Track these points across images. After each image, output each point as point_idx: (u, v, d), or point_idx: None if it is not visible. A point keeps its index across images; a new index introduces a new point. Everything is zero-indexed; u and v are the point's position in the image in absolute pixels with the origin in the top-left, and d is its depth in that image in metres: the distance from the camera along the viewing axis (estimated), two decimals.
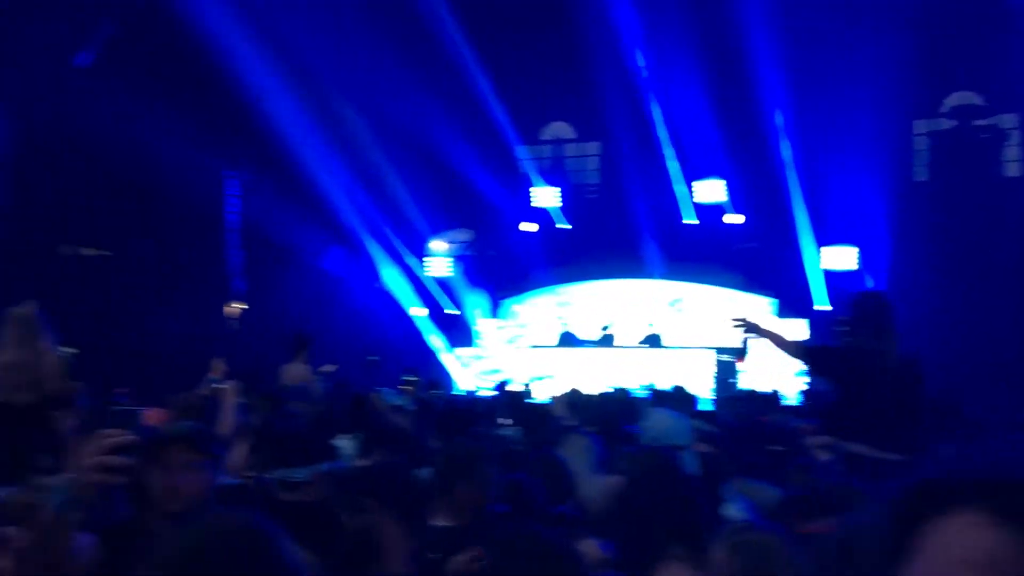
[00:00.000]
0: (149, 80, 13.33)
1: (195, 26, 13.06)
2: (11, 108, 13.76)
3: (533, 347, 16.96)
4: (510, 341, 17.87)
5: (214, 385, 5.81)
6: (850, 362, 4.51)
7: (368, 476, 3.31)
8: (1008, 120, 15.98)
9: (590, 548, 2.67)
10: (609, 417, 6.63)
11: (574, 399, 7.76)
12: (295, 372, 8.44)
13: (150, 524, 2.64)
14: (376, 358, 8.29)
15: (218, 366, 6.79)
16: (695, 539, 2.93)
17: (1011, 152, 16.05)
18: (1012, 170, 15.99)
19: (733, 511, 3.89)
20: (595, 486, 4.41)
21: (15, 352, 5.36)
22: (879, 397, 4.35)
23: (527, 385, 11.70)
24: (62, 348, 5.45)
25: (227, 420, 5.43)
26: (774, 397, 8.77)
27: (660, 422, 4.13)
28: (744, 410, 7.17)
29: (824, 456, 4.50)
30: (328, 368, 9.38)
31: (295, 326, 11.01)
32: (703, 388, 13.16)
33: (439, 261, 18.28)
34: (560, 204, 17.79)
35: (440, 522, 3.41)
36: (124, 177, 14.18)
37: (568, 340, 16.20)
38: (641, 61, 16.44)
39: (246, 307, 14.94)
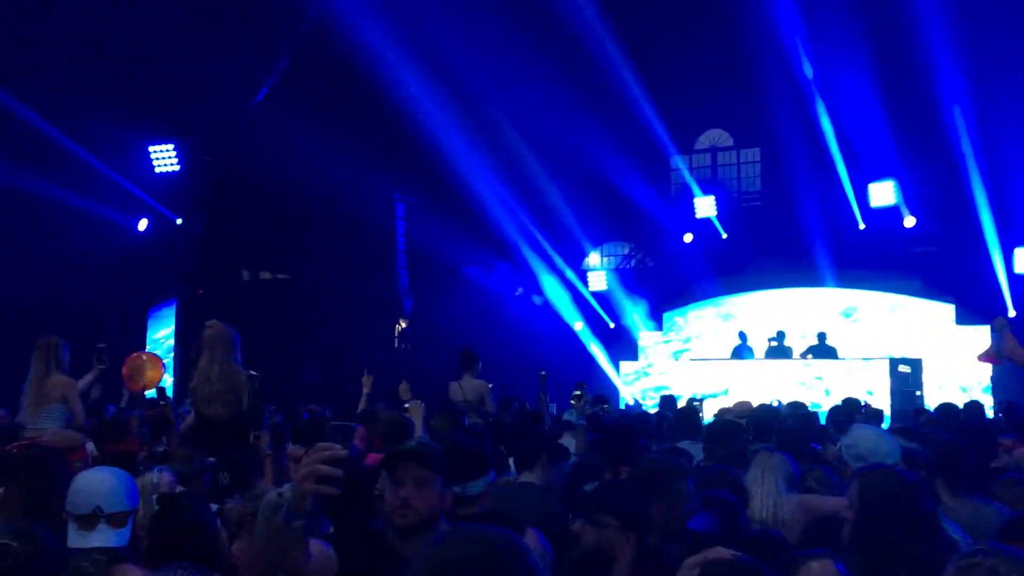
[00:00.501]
0: (321, 110, 14.01)
1: (362, 54, 13.59)
2: (198, 143, 14.78)
3: (698, 360, 16.63)
4: (674, 355, 17.63)
5: (405, 404, 6.02)
6: None
7: (605, 492, 3.32)
8: None
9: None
10: (794, 434, 6.41)
11: (758, 415, 7.55)
12: (469, 387, 8.58)
13: (388, 538, 2.73)
14: (544, 372, 8.32)
15: (368, 382, 7.06)
16: (932, 565, 2.78)
17: None
18: None
19: (952, 533, 3.67)
20: (789, 506, 4.26)
21: (214, 367, 5.73)
22: None
23: (696, 400, 11.47)
24: (249, 371, 5.79)
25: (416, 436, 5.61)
26: (979, 408, 8.21)
27: (866, 439, 3.93)
28: (951, 425, 6.73)
29: None
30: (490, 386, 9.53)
31: (460, 343, 11.23)
32: (880, 401, 12.55)
33: (599, 275, 18.25)
34: (716, 212, 17.39)
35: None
36: (300, 204, 14.91)
37: (741, 352, 15.78)
38: (805, 62, 15.90)
39: (405, 325, 15.40)
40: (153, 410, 6.61)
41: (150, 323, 15.67)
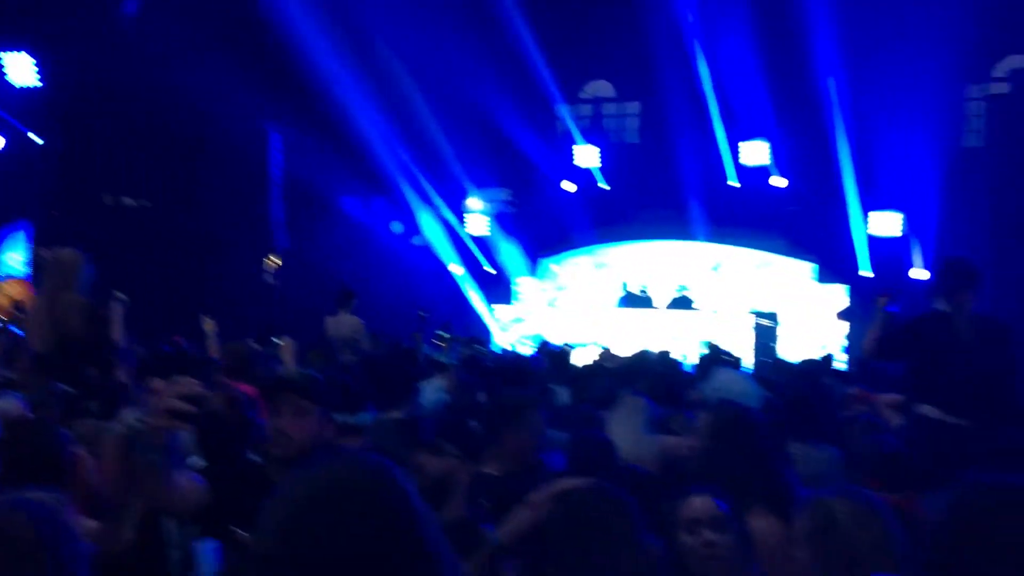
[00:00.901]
0: (197, 31, 13.29)
1: None
2: (58, 57, 13.83)
3: (581, 308, 16.94)
4: (549, 303, 17.87)
5: (277, 341, 5.90)
6: (923, 329, 4.45)
7: (442, 422, 3.35)
8: None
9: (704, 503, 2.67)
10: (660, 379, 6.63)
11: (627, 361, 7.78)
12: (344, 324, 8.48)
13: (266, 469, 2.69)
14: (425, 313, 8.31)
15: (210, 325, 6.86)
16: (778, 496, 2.94)
17: None
18: None
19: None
20: (650, 447, 4.41)
21: (48, 295, 5.42)
22: (955, 363, 4.30)
23: (569, 347, 11.71)
24: (116, 294, 5.52)
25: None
26: (827, 362, 8.69)
27: (728, 382, 4.10)
28: (800, 376, 7.10)
29: (896, 420, 4.46)
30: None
31: (336, 279, 11.06)
32: (742, 352, 13.12)
33: (478, 218, 18.24)
34: (599, 164, 17.61)
35: (488, 470, 3.42)
36: (171, 129, 14.22)
37: (629, 301, 16.14)
38: (689, 18, 16.14)
39: (280, 263, 15.02)
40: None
41: (2, 245, 14.77)
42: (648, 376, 6.79)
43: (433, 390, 6.45)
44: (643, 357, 7.80)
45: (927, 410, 4.42)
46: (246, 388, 4.18)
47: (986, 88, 16.06)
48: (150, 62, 13.00)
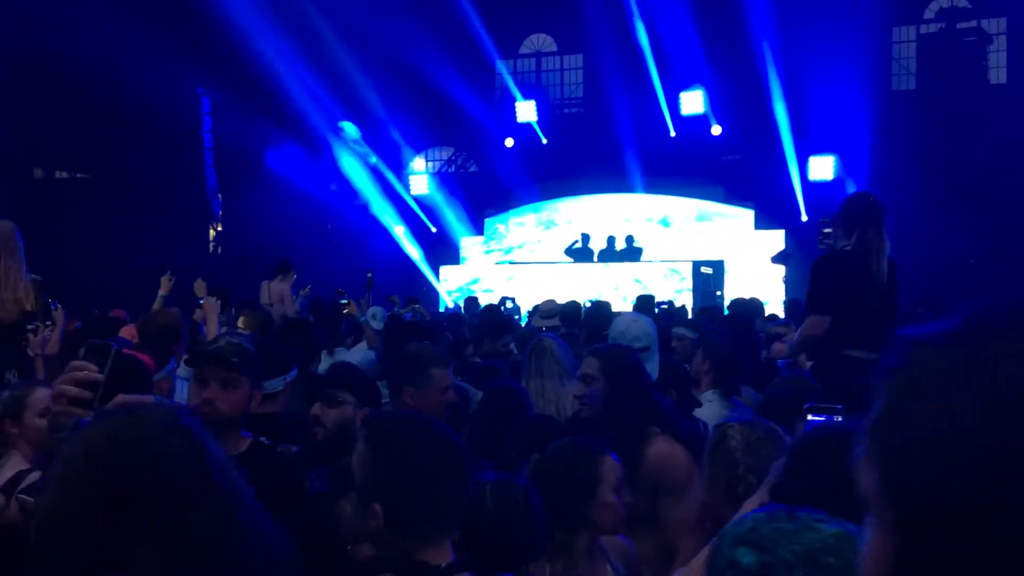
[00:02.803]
0: None
1: None
2: None
3: (514, 263, 16.98)
4: (497, 262, 17.88)
5: (200, 300, 5.85)
6: (840, 273, 4.51)
7: (338, 372, 3.37)
8: (994, 25, 15.77)
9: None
10: (592, 327, 6.70)
11: (562, 310, 7.83)
12: (274, 291, 8.44)
13: None
14: (371, 274, 8.31)
15: (166, 283, 6.84)
16: (668, 425, 3.04)
17: (996, 58, 15.89)
18: (997, 77, 15.86)
19: (707, 415, 3.97)
20: (566, 395, 4.47)
21: None
22: (859, 298, 4.38)
23: (508, 301, 11.77)
24: (31, 275, 5.44)
25: (211, 334, 5.47)
26: (758, 304, 8.82)
27: (620, 322, 4.16)
28: (729, 318, 7.21)
29: (807, 364, 4.55)
30: (304, 292, 9.42)
31: (275, 243, 10.98)
32: (685, 299, 13.31)
33: (421, 179, 18.13)
34: (536, 118, 17.53)
35: None
36: (100, 98, 13.89)
37: (576, 255, 16.20)
38: None
39: (220, 228, 14.84)
40: None
41: None
42: (583, 324, 6.88)
43: (359, 349, 6.49)
44: (573, 306, 7.85)
45: (855, 352, 4.47)
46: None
47: (915, 30, 16.25)
48: (78, 27, 12.64)
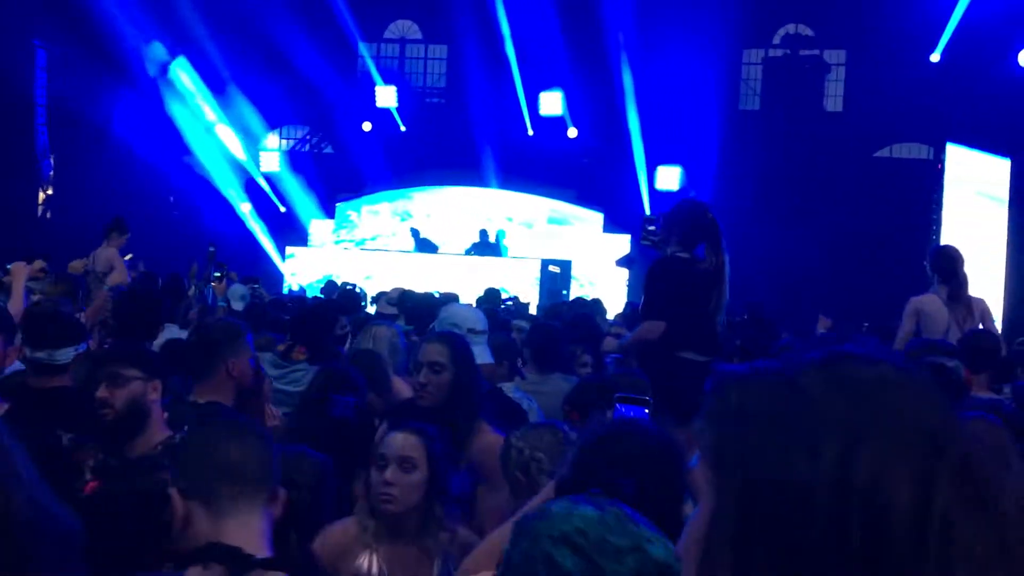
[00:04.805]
0: None
1: None
2: None
3: (369, 249, 16.75)
4: (352, 244, 17.55)
5: (7, 266, 5.44)
6: (668, 274, 4.66)
7: (119, 349, 3.23)
8: (834, 56, 16.76)
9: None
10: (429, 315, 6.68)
11: (402, 298, 7.79)
12: (100, 257, 7.99)
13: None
14: (213, 248, 7.98)
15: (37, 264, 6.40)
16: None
17: (836, 88, 16.89)
18: (834, 105, 16.86)
19: (528, 403, 4.02)
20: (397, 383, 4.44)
21: None
22: (694, 304, 4.54)
23: (352, 286, 11.59)
24: None
25: (16, 302, 5.13)
26: (599, 304, 9.06)
27: (456, 314, 4.17)
28: (567, 314, 7.36)
29: (633, 363, 4.67)
30: (129, 257, 8.95)
31: (113, 212, 10.39)
32: (530, 296, 13.48)
33: (272, 156, 17.61)
34: (396, 104, 17.34)
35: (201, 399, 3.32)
36: None
37: (423, 246, 16.10)
38: None
39: (50, 192, 13.94)
40: None
41: None
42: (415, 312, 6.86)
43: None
44: (407, 295, 7.84)
45: (684, 354, 4.63)
46: None
47: (763, 53, 17.08)
48: None
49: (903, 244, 13.81)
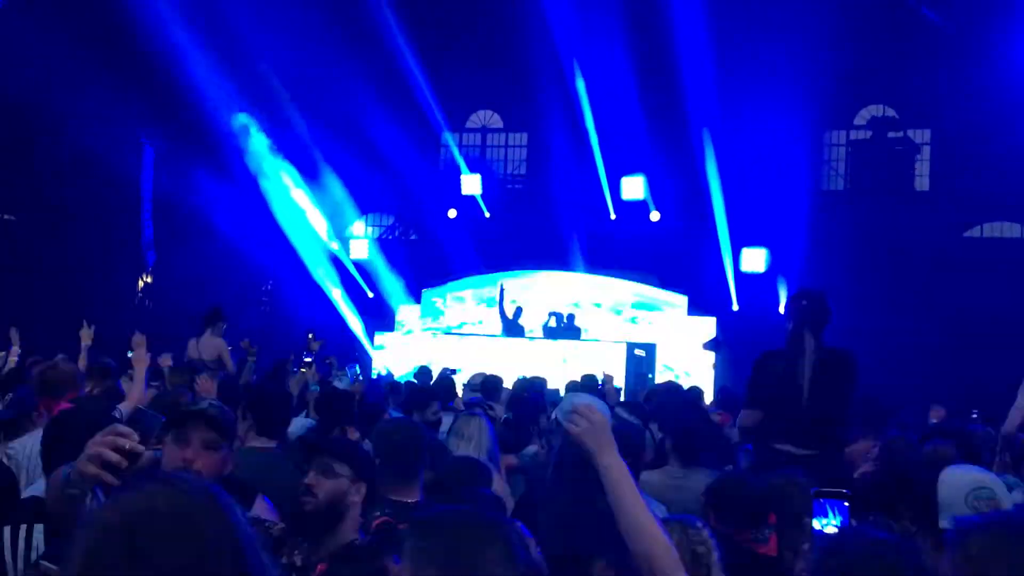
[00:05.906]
0: (70, 34, 12.73)
1: None
2: None
3: (458, 334, 16.87)
4: (439, 332, 17.75)
5: (129, 354, 5.67)
6: (767, 371, 4.62)
7: (336, 444, 3.30)
8: (921, 135, 16.61)
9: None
10: (525, 404, 6.70)
11: (486, 384, 7.82)
12: (207, 346, 8.25)
13: None
14: (313, 334, 8.21)
15: (87, 335, 6.69)
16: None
17: (922, 167, 16.70)
18: (922, 184, 16.63)
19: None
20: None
21: None
22: (785, 395, 4.48)
23: (451, 372, 11.68)
24: None
25: (137, 391, 5.32)
26: (697, 391, 8.95)
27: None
28: (665, 401, 7.27)
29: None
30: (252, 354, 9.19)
31: (207, 300, 10.76)
32: (617, 380, 13.35)
33: (361, 243, 18.06)
34: (480, 191, 17.70)
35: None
36: (37, 138, 13.59)
37: (511, 330, 16.19)
38: (574, 59, 16.56)
39: (149, 280, 14.51)
40: None
41: None
42: (512, 401, 6.87)
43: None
44: (494, 381, 7.87)
45: (781, 446, 4.57)
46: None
47: (847, 135, 17.03)
48: (14, 62, 12.40)
49: (1006, 325, 13.40)
